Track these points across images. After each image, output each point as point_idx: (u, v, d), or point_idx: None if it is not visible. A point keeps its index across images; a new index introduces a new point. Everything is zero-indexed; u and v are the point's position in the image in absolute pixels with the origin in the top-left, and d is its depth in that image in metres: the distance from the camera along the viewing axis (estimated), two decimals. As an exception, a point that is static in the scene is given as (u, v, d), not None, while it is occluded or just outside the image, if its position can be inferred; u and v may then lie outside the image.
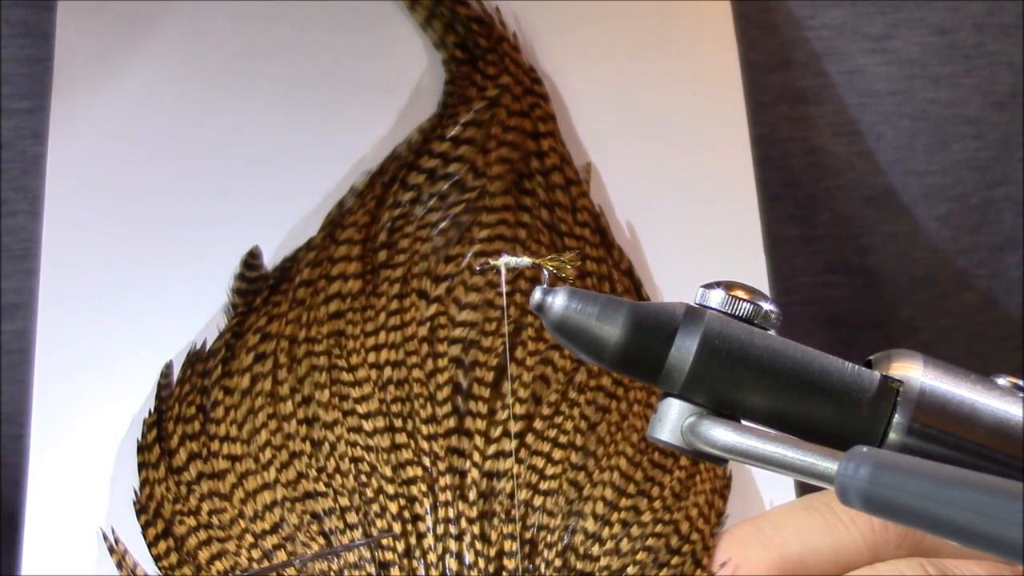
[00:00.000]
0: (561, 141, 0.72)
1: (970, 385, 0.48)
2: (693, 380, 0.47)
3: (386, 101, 0.73)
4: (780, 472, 0.46)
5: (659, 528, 0.63)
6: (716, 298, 0.48)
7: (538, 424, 0.65)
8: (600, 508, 0.63)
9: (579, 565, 0.62)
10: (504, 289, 0.52)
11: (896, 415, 0.48)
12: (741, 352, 0.47)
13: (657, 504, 0.63)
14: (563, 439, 0.64)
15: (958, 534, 0.42)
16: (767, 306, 0.48)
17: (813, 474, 0.46)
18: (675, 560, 0.62)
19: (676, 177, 0.73)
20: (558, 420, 0.65)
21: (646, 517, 0.63)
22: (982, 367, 0.84)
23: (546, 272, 0.50)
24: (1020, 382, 0.48)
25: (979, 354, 0.85)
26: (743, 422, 0.48)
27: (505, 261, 0.51)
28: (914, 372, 0.48)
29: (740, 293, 0.48)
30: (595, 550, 0.62)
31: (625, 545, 0.62)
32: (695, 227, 0.72)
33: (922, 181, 0.82)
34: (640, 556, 0.62)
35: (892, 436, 0.48)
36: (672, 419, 0.48)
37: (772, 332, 0.48)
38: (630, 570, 0.62)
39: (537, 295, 0.48)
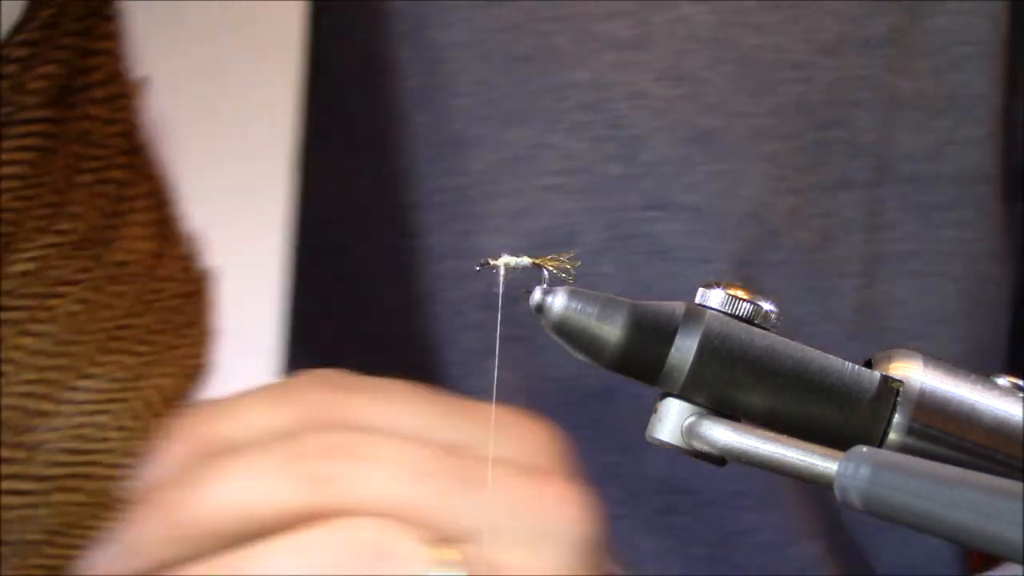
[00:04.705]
0: (118, 57, 0.70)
1: (970, 385, 0.48)
2: (693, 380, 0.47)
3: None
4: (780, 472, 0.46)
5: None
6: (716, 298, 0.48)
7: None
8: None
9: None
10: (502, 288, 0.51)
11: (896, 415, 0.47)
12: (741, 352, 0.47)
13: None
14: None
15: (958, 534, 0.42)
16: (767, 306, 0.48)
17: (813, 474, 0.46)
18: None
19: (221, 102, 0.73)
20: None
21: None
22: (822, 304, 0.85)
23: (546, 272, 0.50)
24: (1020, 382, 0.48)
25: (818, 290, 0.85)
26: (743, 422, 0.48)
27: (505, 261, 0.51)
28: (914, 372, 0.48)
29: (740, 293, 0.48)
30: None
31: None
32: (229, 150, 0.73)
33: (747, 122, 0.82)
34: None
35: (892, 436, 0.47)
36: (672, 419, 0.48)
37: (772, 332, 0.48)
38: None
39: (537, 295, 0.48)
